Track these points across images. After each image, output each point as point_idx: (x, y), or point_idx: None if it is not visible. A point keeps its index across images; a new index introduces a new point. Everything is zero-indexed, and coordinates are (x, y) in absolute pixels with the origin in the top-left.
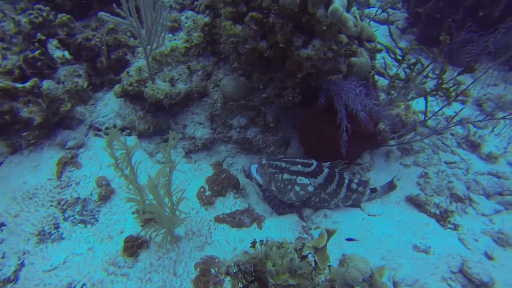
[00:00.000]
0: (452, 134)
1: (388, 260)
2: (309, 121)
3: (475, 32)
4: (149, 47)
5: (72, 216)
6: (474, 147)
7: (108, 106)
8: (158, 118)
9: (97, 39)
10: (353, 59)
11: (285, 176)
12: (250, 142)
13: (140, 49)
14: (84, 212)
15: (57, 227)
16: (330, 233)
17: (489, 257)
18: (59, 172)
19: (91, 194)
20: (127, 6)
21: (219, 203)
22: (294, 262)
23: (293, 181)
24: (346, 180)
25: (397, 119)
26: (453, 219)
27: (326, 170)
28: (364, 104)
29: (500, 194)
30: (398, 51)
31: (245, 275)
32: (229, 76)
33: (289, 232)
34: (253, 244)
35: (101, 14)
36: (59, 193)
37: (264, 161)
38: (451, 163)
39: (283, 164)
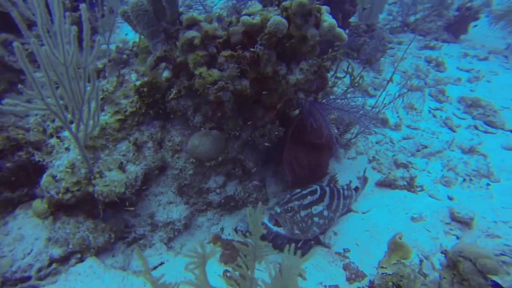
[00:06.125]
0: None
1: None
2: (287, 151)
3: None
4: (81, 132)
5: None
6: (384, 123)
7: (26, 238)
8: (110, 219)
9: None
10: None
11: (302, 213)
12: (234, 198)
13: (52, 140)
14: None
15: None
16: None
17: (451, 199)
18: None
19: None
20: (35, 83)
21: None
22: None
23: (310, 214)
24: (341, 191)
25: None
26: (416, 183)
27: (328, 189)
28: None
29: (418, 150)
30: None
31: None
32: (197, 134)
33: (331, 266)
34: None
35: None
36: None
37: (278, 210)
38: (379, 141)
39: (296, 203)
